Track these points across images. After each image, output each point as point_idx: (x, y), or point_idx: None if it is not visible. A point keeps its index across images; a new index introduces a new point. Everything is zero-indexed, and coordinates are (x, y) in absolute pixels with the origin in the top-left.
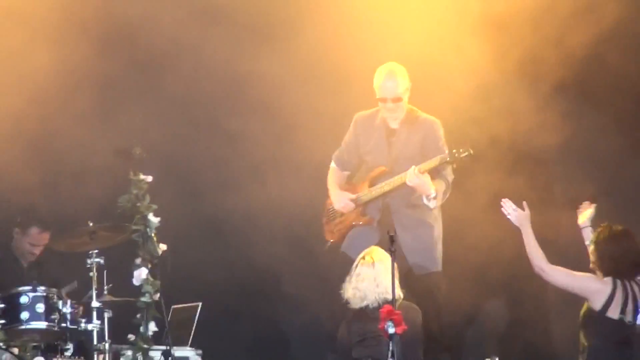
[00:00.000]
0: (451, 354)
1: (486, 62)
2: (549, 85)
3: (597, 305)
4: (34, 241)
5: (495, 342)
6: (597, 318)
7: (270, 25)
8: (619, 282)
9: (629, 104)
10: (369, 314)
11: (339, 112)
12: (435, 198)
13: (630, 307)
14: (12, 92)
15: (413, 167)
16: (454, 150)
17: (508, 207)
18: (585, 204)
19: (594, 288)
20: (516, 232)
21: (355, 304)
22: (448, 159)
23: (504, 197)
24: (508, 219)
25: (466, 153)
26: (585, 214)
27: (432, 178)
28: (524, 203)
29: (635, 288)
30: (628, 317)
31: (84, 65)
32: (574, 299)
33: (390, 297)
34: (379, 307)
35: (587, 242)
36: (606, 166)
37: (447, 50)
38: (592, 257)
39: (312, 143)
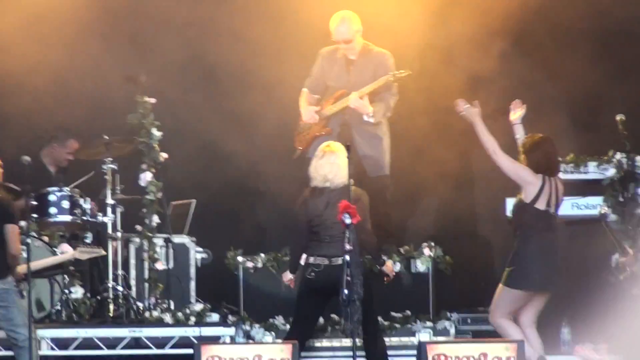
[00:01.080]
0: (396, 239)
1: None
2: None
3: (529, 197)
4: (71, 150)
5: (430, 230)
6: (527, 208)
7: None
8: (546, 179)
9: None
10: (324, 193)
11: (306, 50)
12: (373, 117)
13: (553, 200)
14: (40, 25)
15: (353, 92)
16: (395, 72)
17: (461, 105)
18: (517, 103)
19: (529, 179)
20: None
21: (319, 183)
22: (391, 78)
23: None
24: (461, 115)
25: (405, 73)
26: (517, 112)
27: (372, 101)
28: (475, 102)
29: (559, 184)
30: (552, 209)
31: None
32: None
33: (343, 182)
34: (335, 189)
35: (517, 136)
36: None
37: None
38: (522, 159)
39: (283, 72)
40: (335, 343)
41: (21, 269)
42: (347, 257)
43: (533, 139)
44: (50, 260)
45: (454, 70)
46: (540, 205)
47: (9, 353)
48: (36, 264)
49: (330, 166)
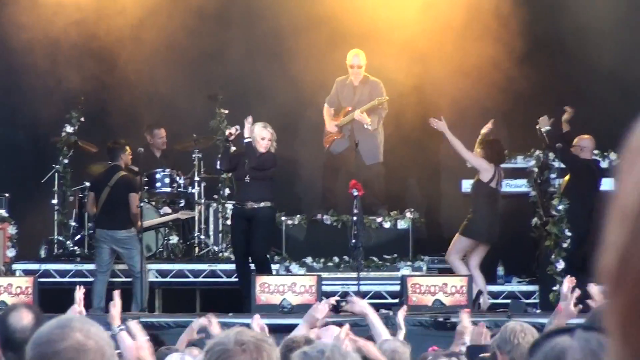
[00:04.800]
0: (387, 206)
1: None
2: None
3: (485, 178)
4: (161, 136)
5: (410, 200)
6: (483, 186)
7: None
8: (496, 167)
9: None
10: None
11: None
12: (370, 125)
13: (500, 180)
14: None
15: (357, 110)
16: (379, 98)
17: (432, 122)
18: (492, 122)
19: (485, 167)
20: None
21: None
22: (376, 103)
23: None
24: (434, 127)
25: (384, 99)
26: (488, 125)
27: (369, 115)
28: (442, 117)
29: (502, 171)
30: (499, 187)
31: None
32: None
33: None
34: None
35: (482, 131)
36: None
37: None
38: (478, 151)
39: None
40: (346, 274)
41: (140, 224)
42: (355, 218)
43: (489, 139)
44: (162, 219)
45: (432, 90)
46: (493, 184)
47: (128, 279)
48: (152, 222)
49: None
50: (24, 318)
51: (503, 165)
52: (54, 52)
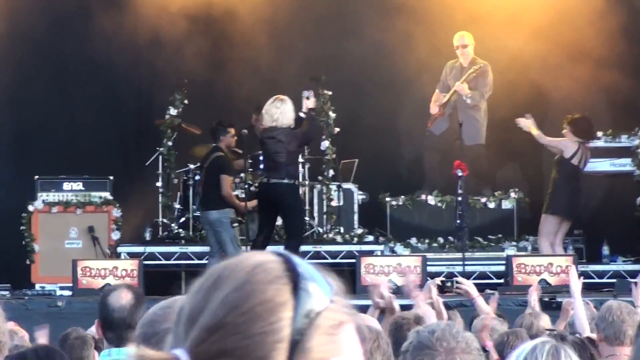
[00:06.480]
0: (491, 186)
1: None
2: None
3: (567, 154)
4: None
5: (515, 180)
6: (565, 162)
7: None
8: (581, 144)
9: None
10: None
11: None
12: (470, 98)
13: (583, 160)
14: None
15: (457, 82)
16: (474, 67)
17: (521, 122)
18: (528, 115)
19: (567, 145)
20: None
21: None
22: (472, 72)
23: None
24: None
25: (478, 66)
26: (528, 121)
27: (471, 89)
28: (528, 115)
29: (588, 150)
30: (581, 166)
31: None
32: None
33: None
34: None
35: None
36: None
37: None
38: (567, 129)
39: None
40: (451, 255)
41: (250, 204)
42: (459, 198)
43: (575, 116)
44: None
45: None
46: (574, 161)
47: None
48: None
49: (276, 109)
50: (122, 298)
51: (607, 145)
52: (159, 35)
